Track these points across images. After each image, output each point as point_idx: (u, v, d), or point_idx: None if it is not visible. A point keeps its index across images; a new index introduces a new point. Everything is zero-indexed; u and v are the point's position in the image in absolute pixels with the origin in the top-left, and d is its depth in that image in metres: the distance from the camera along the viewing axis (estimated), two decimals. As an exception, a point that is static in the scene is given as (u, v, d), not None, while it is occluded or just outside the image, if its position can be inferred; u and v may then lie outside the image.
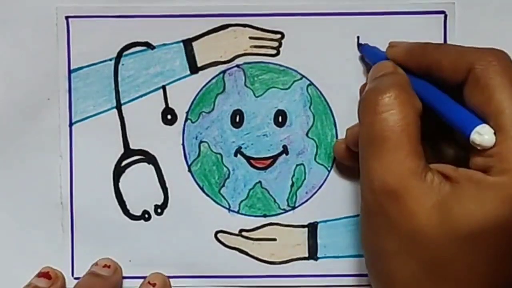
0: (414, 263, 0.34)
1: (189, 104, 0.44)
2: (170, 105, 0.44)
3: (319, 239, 0.45)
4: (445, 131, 0.38)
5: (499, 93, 0.34)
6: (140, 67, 0.44)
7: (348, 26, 0.44)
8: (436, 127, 0.38)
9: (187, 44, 0.44)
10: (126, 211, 0.45)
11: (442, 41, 0.44)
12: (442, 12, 0.44)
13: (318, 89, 0.44)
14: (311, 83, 0.44)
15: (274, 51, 0.44)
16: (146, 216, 0.45)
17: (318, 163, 0.44)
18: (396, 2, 0.44)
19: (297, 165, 0.44)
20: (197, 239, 0.44)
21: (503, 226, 0.33)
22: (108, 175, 0.44)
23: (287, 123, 0.44)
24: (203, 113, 0.44)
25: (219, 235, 0.45)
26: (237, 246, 0.45)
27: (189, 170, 0.44)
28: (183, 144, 0.44)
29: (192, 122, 0.44)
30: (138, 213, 0.45)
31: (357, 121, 0.42)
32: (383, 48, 0.42)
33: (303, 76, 0.44)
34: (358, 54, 0.44)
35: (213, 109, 0.44)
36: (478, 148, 0.34)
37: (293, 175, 0.45)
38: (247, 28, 0.44)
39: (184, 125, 0.44)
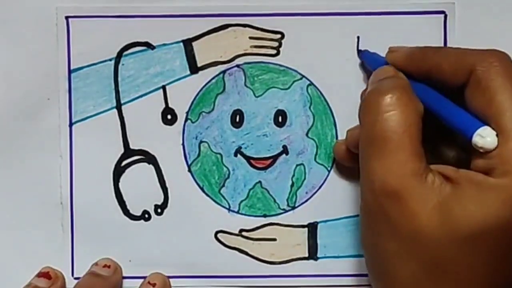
0: (415, 264, 0.34)
1: (189, 104, 0.44)
2: (170, 105, 0.44)
3: (319, 239, 0.45)
4: (446, 133, 0.38)
5: (500, 94, 0.34)
6: (140, 67, 0.44)
7: (348, 26, 0.44)
8: (437, 129, 0.38)
9: (187, 44, 0.44)
10: (126, 211, 0.45)
11: (442, 41, 0.44)
12: (442, 12, 0.44)
13: (318, 89, 0.44)
14: (311, 83, 0.44)
15: (274, 51, 0.44)
16: (146, 216, 0.45)
17: (318, 163, 0.44)
18: (396, 2, 0.43)
19: (297, 165, 0.44)
20: (197, 239, 0.44)
21: (503, 227, 0.33)
22: (108, 175, 0.44)
23: (287, 123, 0.44)
24: (203, 113, 0.44)
25: (219, 235, 0.45)
26: (237, 246, 0.45)
27: (189, 170, 0.44)
28: (183, 144, 0.44)
29: (192, 122, 0.44)
30: (138, 213, 0.45)
31: (357, 121, 0.42)
32: (382, 50, 0.42)
33: (303, 76, 0.44)
34: (358, 58, 0.44)
35: (213, 109, 0.44)
36: (481, 150, 0.34)
37: (293, 175, 0.45)
38: (247, 28, 0.44)
39: (184, 125, 0.44)
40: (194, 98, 0.44)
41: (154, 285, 0.44)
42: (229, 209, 0.45)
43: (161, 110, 0.44)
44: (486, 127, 0.34)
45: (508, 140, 0.34)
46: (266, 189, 0.45)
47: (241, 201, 0.45)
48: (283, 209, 0.45)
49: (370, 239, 0.36)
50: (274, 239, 0.45)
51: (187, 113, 0.44)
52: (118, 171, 0.44)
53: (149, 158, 0.44)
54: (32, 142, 0.44)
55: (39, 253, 0.45)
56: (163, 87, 0.44)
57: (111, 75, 0.44)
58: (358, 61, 0.44)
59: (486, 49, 0.36)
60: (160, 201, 0.45)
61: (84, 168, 0.44)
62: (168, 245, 0.44)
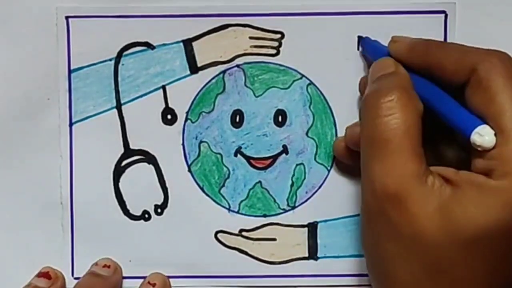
0: (415, 265, 0.34)
1: (189, 104, 0.44)
2: (170, 105, 0.44)
3: (319, 239, 0.45)
4: (446, 133, 0.38)
5: (501, 95, 0.34)
6: (140, 67, 0.44)
7: (348, 26, 0.44)
8: (437, 130, 0.38)
9: (187, 44, 0.44)
10: (126, 211, 0.45)
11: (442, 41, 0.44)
12: (443, 11, 0.44)
13: (318, 89, 0.44)
14: (311, 83, 0.44)
15: (274, 51, 0.44)
16: (146, 216, 0.45)
17: (318, 162, 0.44)
18: (397, 1, 0.43)
19: (297, 165, 0.44)
20: (197, 239, 0.44)
21: (504, 229, 0.33)
22: (108, 175, 0.44)
23: (287, 122, 0.44)
24: (203, 113, 0.44)
25: (219, 235, 0.45)
26: (237, 246, 0.45)
27: (189, 170, 0.44)
28: (183, 144, 0.44)
29: (192, 122, 0.44)
30: (138, 213, 0.45)
31: (356, 120, 0.42)
32: (383, 46, 0.42)
33: (303, 76, 0.44)
34: (358, 53, 0.44)
35: (213, 109, 0.44)
36: (479, 149, 0.34)
37: (293, 175, 0.44)
38: (247, 28, 0.44)
39: (184, 125, 0.44)
40: (194, 98, 0.44)
41: (154, 285, 0.44)
42: (229, 209, 0.45)
43: (161, 110, 0.44)
44: (485, 125, 0.34)
45: (508, 141, 0.33)
46: (266, 189, 0.44)
47: (241, 201, 0.45)
48: (283, 209, 0.45)
49: (370, 240, 0.36)
50: (274, 239, 0.45)
51: (187, 113, 0.44)
52: (118, 171, 0.44)
53: (149, 158, 0.44)
54: (32, 142, 0.44)
55: (39, 253, 0.45)
56: (163, 87, 0.44)
57: (111, 75, 0.44)
58: (358, 60, 0.44)
59: (488, 48, 0.36)
60: (160, 201, 0.45)
61: (84, 168, 0.44)
62: (168, 245, 0.44)
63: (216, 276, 0.45)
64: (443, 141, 0.40)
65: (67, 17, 0.44)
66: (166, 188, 0.44)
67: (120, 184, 0.45)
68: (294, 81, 0.44)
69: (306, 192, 0.45)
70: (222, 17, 0.44)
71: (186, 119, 0.44)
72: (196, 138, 0.44)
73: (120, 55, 0.44)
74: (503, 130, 0.34)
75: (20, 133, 0.44)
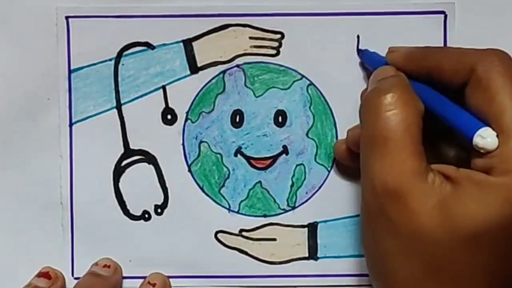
0: (415, 263, 0.34)
1: (189, 104, 0.44)
2: (170, 105, 0.44)
3: (319, 239, 0.45)
4: (446, 132, 0.38)
5: (501, 94, 0.34)
6: (140, 67, 0.44)
7: (348, 26, 0.44)
8: (437, 128, 0.38)
9: (187, 44, 0.44)
10: (126, 211, 0.45)
11: (442, 41, 0.44)
12: (442, 12, 0.44)
13: (318, 89, 0.44)
14: (311, 83, 0.44)
15: (274, 51, 0.44)
16: (146, 216, 0.45)
17: (318, 163, 0.44)
18: (396, 2, 0.43)
19: (297, 165, 0.44)
20: (197, 239, 0.44)
21: (504, 226, 0.33)
22: (108, 175, 0.44)
23: (287, 123, 0.44)
24: (203, 113, 0.44)
25: (219, 235, 0.45)
26: (237, 246, 0.45)
27: (189, 170, 0.44)
28: (183, 144, 0.44)
29: (192, 122, 0.44)
30: (138, 213, 0.45)
31: (357, 121, 0.42)
32: (382, 50, 0.42)
33: (303, 76, 0.44)
34: (358, 57, 0.44)
35: (213, 109, 0.44)
36: (481, 151, 0.34)
37: (293, 175, 0.45)
38: (247, 28, 0.44)
39: (184, 125, 0.44)
40: (194, 98, 0.44)
41: (154, 285, 0.44)
42: (229, 209, 0.45)
43: (161, 110, 0.44)
44: (487, 128, 0.34)
45: (508, 140, 0.34)
46: (266, 189, 0.45)
47: (241, 201, 0.45)
48: (283, 209, 0.45)
49: (370, 239, 0.36)
50: (274, 239, 0.45)
51: (187, 113, 0.44)
52: (118, 171, 0.44)
53: (149, 158, 0.44)
54: (32, 142, 0.44)
55: (39, 253, 0.45)
56: (163, 87, 0.44)
57: (111, 75, 0.44)
58: (358, 61, 0.44)
59: (487, 48, 0.36)
60: (160, 201, 0.45)
61: (84, 168, 0.44)
62: (168, 245, 0.44)
63: (216, 276, 0.45)
64: (443, 139, 0.40)
65: (67, 17, 0.44)
66: (166, 188, 0.44)
67: (120, 184, 0.45)
68: (294, 81, 0.44)
69: (306, 193, 0.45)
70: (222, 17, 0.44)
71: (186, 119, 0.44)
72: (196, 138, 0.44)
73: (120, 55, 0.44)
74: (504, 129, 0.34)
75: (20, 133, 0.44)
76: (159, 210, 0.45)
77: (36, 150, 0.44)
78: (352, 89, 0.43)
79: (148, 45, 0.44)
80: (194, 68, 0.44)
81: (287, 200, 0.45)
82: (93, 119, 0.44)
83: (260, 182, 0.45)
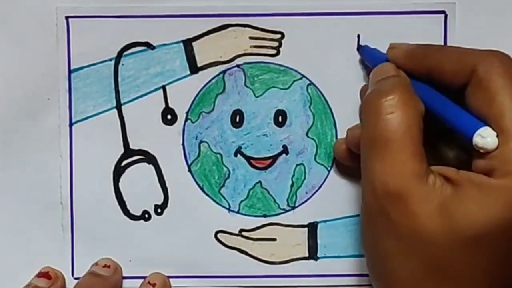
0: (415, 264, 0.34)
1: (189, 104, 0.44)
2: (170, 105, 0.44)
3: (319, 239, 0.45)
4: (446, 133, 0.38)
5: (501, 95, 0.34)
6: (140, 67, 0.44)
7: (348, 26, 0.44)
8: (437, 130, 0.38)
9: (187, 44, 0.44)
10: (126, 211, 0.45)
11: (442, 41, 0.44)
12: (442, 12, 0.44)
13: (318, 89, 0.44)
14: (311, 83, 0.44)
15: (274, 51, 0.44)
16: (146, 216, 0.45)
17: (318, 163, 0.44)
18: (396, 2, 0.43)
19: (297, 165, 0.44)
20: (197, 239, 0.44)
21: (504, 228, 0.33)
22: (108, 175, 0.44)
23: (287, 123, 0.44)
24: (203, 113, 0.44)
25: (219, 235, 0.45)
26: (237, 246, 0.45)
27: (189, 170, 0.44)
28: (183, 144, 0.44)
29: (192, 122, 0.44)
30: (138, 213, 0.45)
31: (357, 120, 0.42)
32: (383, 48, 0.42)
33: (303, 76, 0.44)
34: (358, 54, 0.44)
35: (213, 109, 0.44)
36: (481, 151, 0.34)
37: (293, 175, 0.44)
38: (247, 28, 0.44)
39: (184, 125, 0.44)
40: (194, 98, 0.44)
41: (154, 285, 0.44)
42: (229, 209, 0.45)
43: (161, 110, 0.44)
44: (486, 127, 0.34)
45: (509, 141, 0.34)
46: (266, 189, 0.45)
47: (241, 201, 0.45)
48: (283, 209, 0.45)
49: (370, 239, 0.36)
50: (274, 239, 0.45)
51: (187, 113, 0.44)
52: (118, 171, 0.44)
53: (149, 158, 0.44)
54: (32, 142, 0.44)
55: (39, 253, 0.45)
56: (163, 87, 0.44)
57: (111, 75, 0.44)
58: (358, 60, 0.44)
59: (487, 49, 0.36)
60: (160, 201, 0.45)
61: (84, 168, 0.44)
62: (168, 245, 0.44)
63: (216, 276, 0.45)
64: (443, 141, 0.40)
65: (67, 17, 0.44)
66: (166, 188, 0.44)
67: (120, 184, 0.45)
68: (294, 81, 0.44)
69: (306, 192, 0.45)
70: (222, 17, 0.44)
71: (186, 119, 0.44)
72: (196, 138, 0.44)
73: (120, 55, 0.44)
74: (504, 130, 0.34)
75: (20, 133, 0.44)
76: (159, 210, 0.45)
77: (36, 150, 0.44)
78: (352, 89, 0.43)
79: (148, 45, 0.44)
80: (194, 68, 0.44)
81: (287, 200, 0.45)
82: (93, 119, 0.44)
83: (260, 182, 0.45)
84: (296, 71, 0.44)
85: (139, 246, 0.45)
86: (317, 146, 0.44)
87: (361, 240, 0.38)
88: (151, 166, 0.44)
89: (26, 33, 0.44)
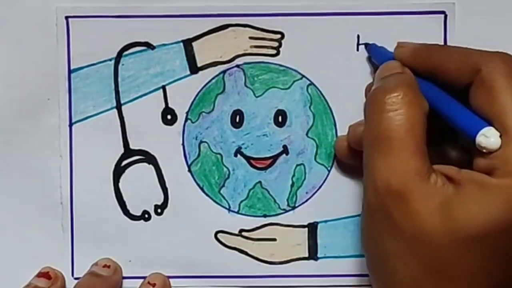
0: (416, 264, 0.34)
1: (189, 104, 0.44)
2: (170, 105, 0.44)
3: (319, 239, 0.45)
4: (449, 133, 0.38)
5: (504, 95, 0.34)
6: (140, 67, 0.44)
7: (348, 26, 0.44)
8: (440, 129, 0.38)
9: (187, 44, 0.44)
10: (126, 211, 0.45)
11: (442, 41, 0.44)
12: (442, 12, 0.44)
13: (318, 89, 0.44)
14: (311, 83, 0.44)
15: (274, 51, 0.44)
16: (146, 216, 0.45)
17: (318, 163, 0.44)
18: (396, 2, 0.43)
19: (297, 165, 0.44)
20: (197, 239, 0.44)
21: (505, 228, 0.33)
22: (108, 175, 0.44)
23: (287, 123, 0.44)
24: (203, 113, 0.44)
25: (219, 235, 0.45)
26: (237, 246, 0.45)
27: (189, 170, 0.44)
28: (183, 144, 0.44)
29: (192, 122, 0.44)
30: (138, 213, 0.45)
31: (356, 120, 0.42)
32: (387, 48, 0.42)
33: (303, 76, 0.44)
34: (358, 54, 0.44)
35: (213, 109, 0.44)
36: (484, 151, 0.34)
37: (293, 175, 0.44)
38: (247, 28, 0.44)
39: (184, 125, 0.44)
40: (194, 98, 0.44)
41: (154, 285, 0.43)
42: (229, 209, 0.45)
43: (161, 110, 0.44)
44: (490, 127, 0.34)
45: (511, 141, 0.34)
46: (266, 189, 0.45)
47: (241, 201, 0.45)
48: (283, 209, 0.45)
49: (371, 239, 0.36)
50: (274, 239, 0.45)
51: (187, 113, 0.44)
52: (118, 171, 0.44)
53: (149, 158, 0.44)
54: (32, 142, 0.44)
55: (39, 253, 0.45)
56: (163, 87, 0.44)
57: (111, 75, 0.44)
58: (358, 61, 0.44)
59: (491, 50, 0.36)
60: (160, 201, 0.45)
61: (84, 168, 0.44)
62: (168, 245, 0.44)
63: (216, 276, 0.45)
64: (445, 140, 0.40)
65: (67, 17, 0.44)
66: (166, 188, 0.44)
67: (120, 184, 0.45)
68: (294, 81, 0.44)
69: (306, 193, 0.45)
70: (222, 17, 0.44)
71: (186, 119, 0.44)
72: (196, 138, 0.44)
73: (120, 55, 0.44)
74: (506, 130, 0.34)
75: (20, 133, 0.44)
76: (159, 210, 0.45)
77: (36, 150, 0.44)
78: (352, 89, 0.43)
79: (148, 45, 0.44)
80: (194, 68, 0.44)
81: (287, 200, 0.45)
82: (93, 119, 0.44)
83: (260, 182, 0.45)
84: (296, 71, 0.44)
85: (139, 246, 0.45)
86: (317, 146, 0.44)
87: (362, 240, 0.37)
88: (151, 166, 0.44)
89: (26, 33, 0.44)
